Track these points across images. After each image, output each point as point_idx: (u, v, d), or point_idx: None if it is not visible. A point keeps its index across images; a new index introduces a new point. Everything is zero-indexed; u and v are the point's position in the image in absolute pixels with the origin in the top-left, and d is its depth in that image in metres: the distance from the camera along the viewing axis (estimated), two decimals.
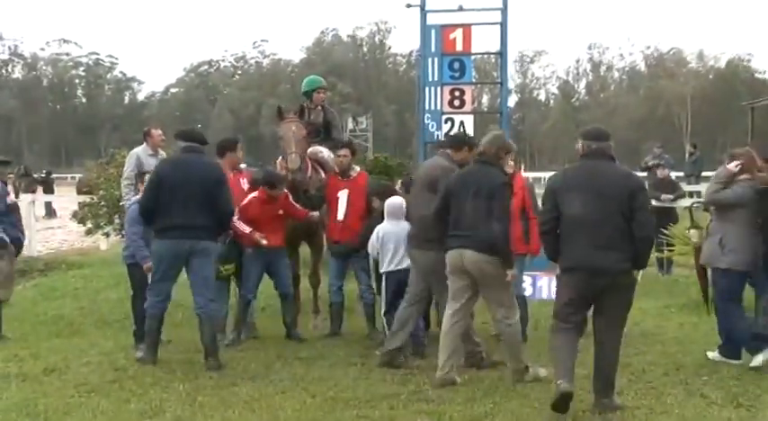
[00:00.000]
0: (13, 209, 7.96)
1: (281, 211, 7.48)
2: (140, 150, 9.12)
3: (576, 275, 5.31)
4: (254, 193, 7.46)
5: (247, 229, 7.27)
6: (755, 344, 6.41)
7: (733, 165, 6.66)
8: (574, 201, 5.28)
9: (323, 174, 8.11)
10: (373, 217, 7.49)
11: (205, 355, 6.62)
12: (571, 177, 5.53)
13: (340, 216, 7.69)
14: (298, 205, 7.63)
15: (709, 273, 7.05)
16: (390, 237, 7.02)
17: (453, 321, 6.07)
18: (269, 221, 7.40)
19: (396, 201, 7.18)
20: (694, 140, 31.54)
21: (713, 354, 6.63)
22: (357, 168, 7.95)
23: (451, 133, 8.36)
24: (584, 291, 5.30)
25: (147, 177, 7.24)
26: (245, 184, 7.81)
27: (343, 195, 7.71)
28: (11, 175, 9.15)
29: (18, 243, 7.97)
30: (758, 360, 6.32)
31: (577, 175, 5.46)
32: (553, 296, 7.13)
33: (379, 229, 7.07)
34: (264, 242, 7.26)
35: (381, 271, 7.10)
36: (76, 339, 7.82)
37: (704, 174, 21.52)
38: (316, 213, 7.70)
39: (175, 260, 6.67)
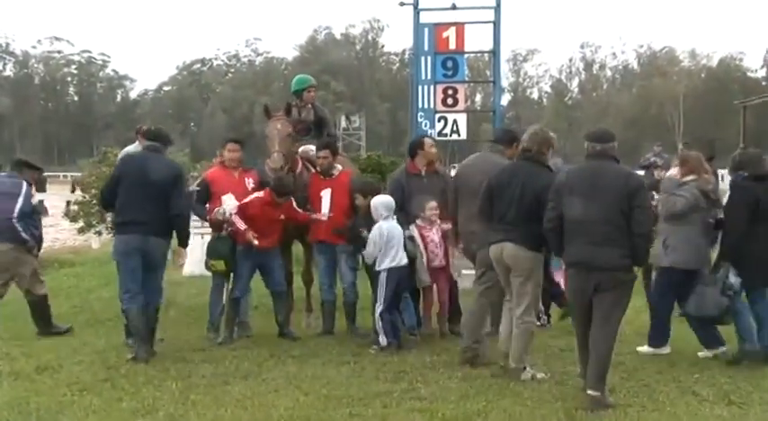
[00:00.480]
0: (37, 210, 8.14)
1: (282, 217, 7.48)
2: (131, 149, 9.12)
3: (577, 270, 5.56)
4: (259, 193, 7.45)
5: (243, 227, 7.26)
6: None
7: (675, 173, 6.97)
8: (576, 199, 5.50)
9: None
10: (359, 215, 7.50)
11: (137, 342, 6.81)
12: (575, 177, 5.69)
13: (324, 216, 7.65)
14: (300, 210, 7.62)
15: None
16: (394, 234, 7.06)
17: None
18: (267, 223, 7.37)
19: (388, 200, 7.19)
20: (686, 139, 31.65)
21: (703, 353, 6.71)
22: (339, 167, 7.87)
23: (500, 128, 8.27)
24: (584, 285, 5.49)
25: None
26: (250, 184, 7.74)
27: (326, 194, 7.65)
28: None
29: (40, 242, 8.34)
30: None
31: (581, 175, 5.67)
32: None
33: (382, 227, 7.06)
34: (256, 242, 7.25)
35: (381, 268, 7.07)
36: (69, 338, 7.79)
37: None
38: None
39: (131, 254, 6.79)
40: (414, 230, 7.37)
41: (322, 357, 6.81)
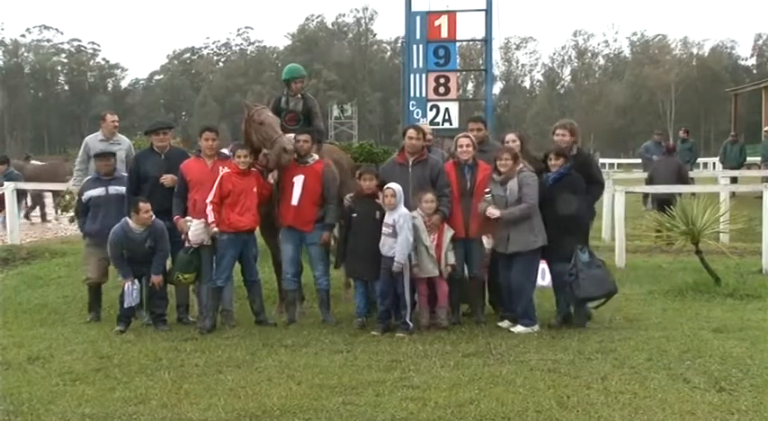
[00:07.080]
0: None
1: (255, 189, 7.52)
2: (91, 137, 9.15)
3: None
4: (225, 169, 7.53)
5: (211, 219, 7.37)
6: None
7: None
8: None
9: None
10: (328, 205, 7.65)
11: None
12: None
13: (294, 201, 7.65)
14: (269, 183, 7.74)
15: None
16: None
17: None
18: (244, 198, 7.44)
19: (399, 187, 7.25)
20: (678, 126, 31.76)
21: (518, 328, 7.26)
22: (315, 156, 7.88)
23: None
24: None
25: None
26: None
27: (298, 181, 7.67)
28: None
29: None
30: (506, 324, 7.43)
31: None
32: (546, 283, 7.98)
33: (409, 216, 7.17)
34: (216, 230, 7.36)
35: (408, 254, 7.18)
36: (60, 327, 7.79)
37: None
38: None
39: None
40: (419, 219, 7.34)
41: (314, 346, 6.82)
